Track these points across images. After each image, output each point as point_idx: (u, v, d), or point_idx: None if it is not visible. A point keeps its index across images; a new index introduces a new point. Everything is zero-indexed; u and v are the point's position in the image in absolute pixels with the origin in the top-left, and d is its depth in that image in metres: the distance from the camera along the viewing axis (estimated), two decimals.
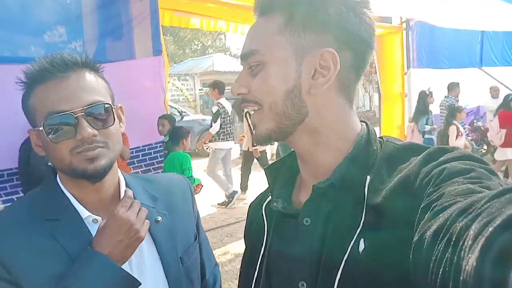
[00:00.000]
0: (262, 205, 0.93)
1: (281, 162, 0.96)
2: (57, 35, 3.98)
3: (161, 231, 1.11)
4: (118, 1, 4.08)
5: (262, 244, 0.89)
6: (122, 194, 1.09)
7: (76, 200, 1.05)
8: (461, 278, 0.42)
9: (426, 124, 7.01)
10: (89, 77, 1.02)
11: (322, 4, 0.78)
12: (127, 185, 1.14)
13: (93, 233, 1.02)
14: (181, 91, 19.05)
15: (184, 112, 12.40)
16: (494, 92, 9.27)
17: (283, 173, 0.94)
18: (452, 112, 6.87)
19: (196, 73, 22.47)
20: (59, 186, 1.06)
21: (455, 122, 6.70)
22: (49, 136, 0.97)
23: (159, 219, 1.12)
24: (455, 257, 0.45)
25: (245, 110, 0.85)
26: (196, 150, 11.44)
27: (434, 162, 0.71)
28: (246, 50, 0.82)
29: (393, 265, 0.67)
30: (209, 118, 13.90)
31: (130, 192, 1.05)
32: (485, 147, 9.35)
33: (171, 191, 1.24)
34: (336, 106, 0.83)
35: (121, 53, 4.35)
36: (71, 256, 0.97)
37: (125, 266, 1.00)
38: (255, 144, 5.02)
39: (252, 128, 0.86)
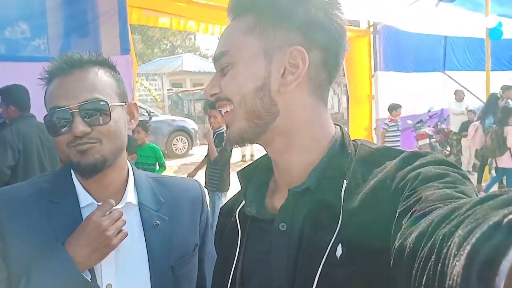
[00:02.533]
0: (236, 210, 0.90)
1: (254, 166, 0.95)
2: (19, 31, 3.83)
3: (156, 236, 1.12)
4: None
5: (236, 251, 0.87)
6: (128, 194, 1.13)
7: (83, 187, 1.10)
8: (446, 285, 0.41)
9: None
10: (93, 75, 1.06)
11: (290, 3, 0.79)
12: (136, 184, 1.17)
13: None
14: (149, 91, 18.77)
15: (153, 112, 12.21)
16: (458, 96, 9.61)
17: (256, 176, 0.93)
18: (508, 113, 6.86)
19: (164, 72, 22.20)
20: (71, 174, 1.11)
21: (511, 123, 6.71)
22: (50, 130, 1.05)
23: (157, 223, 1.13)
24: (439, 264, 0.44)
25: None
26: (165, 151, 11.27)
27: (409, 167, 0.71)
28: (217, 52, 0.83)
29: (372, 270, 0.66)
30: (178, 118, 13.79)
31: (112, 201, 1.05)
32: (448, 148, 9.68)
33: (181, 196, 1.23)
34: (309, 106, 0.82)
35: (87, 51, 4.17)
36: (58, 238, 1.00)
37: (110, 265, 1.04)
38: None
39: (226, 128, 0.85)
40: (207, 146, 5.25)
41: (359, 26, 7.78)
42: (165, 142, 12.01)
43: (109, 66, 1.13)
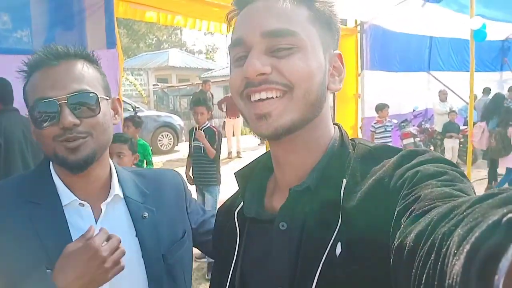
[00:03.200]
0: (234, 212, 0.89)
1: (252, 166, 0.94)
2: (1, 22, 3.72)
3: (146, 227, 1.12)
4: None
5: (234, 252, 0.87)
6: (115, 187, 1.11)
7: (65, 185, 1.06)
8: (446, 284, 0.41)
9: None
10: (80, 67, 1.04)
11: (334, 8, 0.82)
12: (119, 178, 1.16)
13: (74, 218, 1.04)
14: (135, 86, 18.56)
15: (138, 107, 12.07)
16: (442, 96, 9.74)
17: (254, 177, 0.91)
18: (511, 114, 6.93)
19: (150, 67, 21.99)
20: (50, 171, 1.08)
21: None
22: (34, 122, 1.00)
23: (145, 215, 1.13)
24: (439, 263, 0.44)
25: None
26: (151, 147, 11.17)
27: (408, 165, 0.71)
28: (280, 28, 0.74)
29: (371, 269, 0.66)
30: (164, 114, 13.67)
31: (105, 229, 1.00)
32: (432, 148, 9.81)
33: (162, 186, 1.24)
34: (327, 107, 0.83)
35: (72, 44, 4.09)
36: (42, 241, 0.97)
37: None
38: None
39: (259, 118, 0.77)
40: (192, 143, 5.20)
41: (346, 25, 7.80)
42: (150, 138, 11.89)
43: (93, 60, 1.11)
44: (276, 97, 0.75)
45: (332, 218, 0.73)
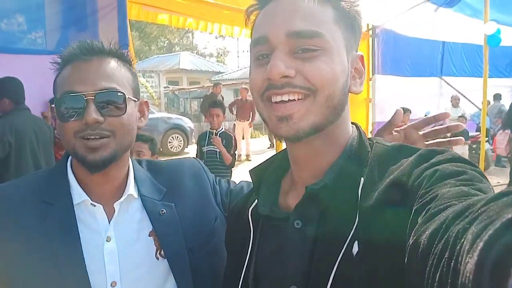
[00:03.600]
0: (248, 209, 0.89)
1: (267, 164, 0.93)
2: (16, 23, 3.78)
3: (164, 224, 1.10)
4: None
5: (248, 250, 0.86)
6: (129, 187, 1.10)
7: (79, 184, 1.06)
8: (459, 282, 0.41)
9: None
10: (112, 65, 1.03)
11: (359, 7, 0.81)
12: (135, 177, 1.14)
13: (87, 217, 1.04)
14: (146, 88, 18.71)
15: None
16: (454, 102, 9.66)
17: (268, 175, 0.91)
18: None
19: (161, 70, 22.16)
20: (66, 169, 1.08)
21: None
22: (59, 116, 0.99)
23: (163, 212, 1.11)
24: (452, 261, 0.44)
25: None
26: (161, 149, 11.23)
27: (426, 164, 0.70)
28: (306, 29, 0.73)
29: (388, 268, 0.65)
30: (174, 116, 13.74)
31: None
32: None
33: (181, 178, 1.21)
34: (348, 108, 0.83)
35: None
36: (51, 241, 0.97)
37: (114, 262, 1.02)
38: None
39: (279, 120, 0.76)
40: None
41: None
42: (161, 140, 11.95)
43: (126, 60, 1.10)
44: (299, 99, 0.74)
45: (349, 217, 0.72)
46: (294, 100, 0.74)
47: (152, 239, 1.09)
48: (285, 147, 0.93)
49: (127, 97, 1.01)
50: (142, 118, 1.13)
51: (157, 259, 1.08)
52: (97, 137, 0.97)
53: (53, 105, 1.02)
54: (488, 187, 0.62)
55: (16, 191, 1.05)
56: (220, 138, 4.88)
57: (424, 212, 0.58)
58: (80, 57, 1.00)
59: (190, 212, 1.15)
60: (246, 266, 0.86)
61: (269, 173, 0.91)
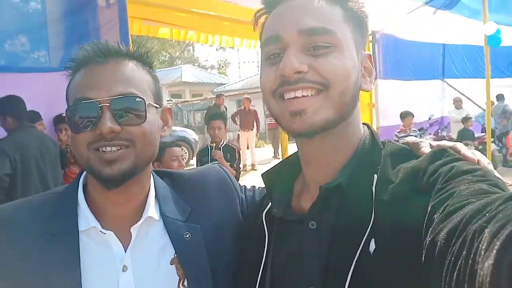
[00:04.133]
0: (262, 212, 0.89)
1: (279, 167, 0.94)
2: (19, 44, 3.83)
3: (189, 250, 0.97)
4: (85, 8, 3.96)
5: (263, 254, 0.86)
6: (149, 208, 0.96)
7: (89, 207, 0.93)
8: (477, 281, 0.41)
9: None
10: (130, 67, 0.92)
11: (365, 8, 0.83)
12: (157, 196, 1.00)
13: (95, 246, 0.91)
14: None
15: None
16: (457, 103, 9.63)
17: (281, 178, 0.91)
18: None
19: (164, 84, 22.25)
20: (77, 192, 0.96)
21: None
22: (71, 125, 0.88)
23: (187, 236, 0.98)
24: (470, 260, 0.44)
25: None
26: None
27: (441, 161, 0.71)
28: (318, 26, 0.75)
29: (405, 264, 0.65)
30: (179, 129, 13.76)
31: None
32: None
33: (207, 194, 1.07)
34: (359, 107, 0.84)
35: None
36: (46, 275, 0.86)
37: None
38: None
39: (293, 115, 0.76)
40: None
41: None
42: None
43: (146, 62, 0.98)
44: (311, 95, 0.75)
45: (365, 215, 0.72)
46: (307, 95, 0.75)
47: (174, 267, 0.96)
48: (292, 153, 0.94)
49: (147, 103, 0.89)
50: (166, 127, 1.01)
51: None
52: (113, 149, 0.86)
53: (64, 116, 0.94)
54: (504, 183, 0.62)
55: (17, 216, 0.92)
56: (221, 153, 4.56)
57: (441, 209, 0.58)
58: (95, 59, 0.89)
59: (217, 234, 1.02)
60: (262, 270, 0.85)
61: (281, 176, 0.91)
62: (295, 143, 0.89)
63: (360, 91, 0.82)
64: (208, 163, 4.44)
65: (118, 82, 0.88)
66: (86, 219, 0.92)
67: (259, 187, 1.21)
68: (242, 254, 0.97)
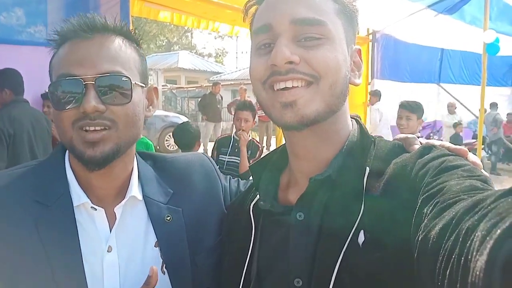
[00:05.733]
0: (249, 205, 0.89)
1: (265, 160, 0.94)
2: (15, 17, 3.76)
3: (169, 232, 0.96)
4: None
5: (249, 246, 0.86)
6: (132, 188, 0.95)
7: (78, 183, 0.91)
8: (470, 280, 0.41)
9: None
10: (117, 44, 0.88)
11: (356, 4, 0.83)
12: (140, 176, 0.99)
13: (87, 222, 0.90)
14: None
15: None
16: (451, 108, 9.71)
17: (268, 170, 0.91)
18: None
19: (160, 68, 22.12)
20: (64, 164, 0.93)
21: None
22: (54, 102, 0.85)
23: (168, 218, 0.97)
24: (463, 258, 0.44)
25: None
26: (158, 147, 11.19)
27: (430, 155, 0.72)
28: (310, 17, 0.75)
29: (394, 256, 0.66)
30: (172, 114, 13.70)
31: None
32: None
33: (190, 179, 1.06)
34: (347, 102, 0.84)
35: None
36: (47, 252, 0.83)
37: (114, 274, 0.89)
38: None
39: (284, 106, 0.75)
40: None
41: (358, 33, 7.81)
42: (158, 138, 11.89)
43: (133, 39, 0.95)
44: (302, 86, 0.74)
45: (355, 207, 0.72)
46: (297, 87, 0.74)
47: (158, 250, 0.95)
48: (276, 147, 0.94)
49: (133, 82, 0.87)
50: (151, 107, 0.99)
51: (163, 273, 0.95)
52: (97, 128, 0.84)
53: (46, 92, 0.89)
54: (489, 178, 0.64)
55: (2, 186, 0.88)
56: (247, 138, 3.93)
57: (431, 204, 0.59)
58: (80, 34, 0.85)
59: (199, 219, 1.00)
60: (248, 262, 0.85)
61: (268, 169, 0.91)
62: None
63: (350, 85, 0.83)
64: (226, 156, 4.01)
65: (104, 59, 0.85)
66: (76, 194, 0.90)
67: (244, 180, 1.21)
68: (228, 245, 0.96)
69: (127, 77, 0.86)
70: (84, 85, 0.82)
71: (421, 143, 0.79)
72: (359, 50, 0.86)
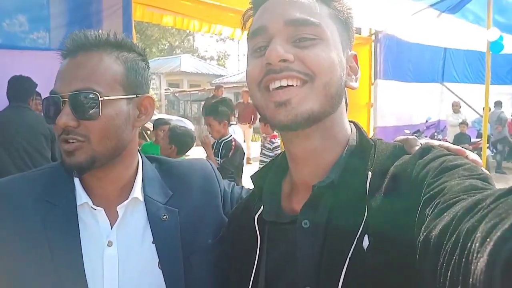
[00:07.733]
0: (254, 217, 0.88)
1: (266, 169, 0.93)
2: (18, 24, 3.78)
3: (165, 231, 1.02)
4: None
5: (255, 258, 0.85)
6: (135, 189, 1.03)
7: (81, 185, 1.00)
8: (470, 281, 0.41)
9: None
10: (95, 60, 0.93)
11: (351, 11, 0.84)
12: (143, 177, 1.06)
13: (89, 220, 0.98)
14: None
15: None
16: (455, 108, 9.69)
17: (269, 179, 0.91)
18: None
19: (162, 72, 22.20)
20: None
21: None
22: (45, 116, 0.96)
23: (164, 217, 1.03)
24: (463, 260, 0.44)
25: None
26: None
27: (430, 156, 0.72)
28: (304, 17, 0.76)
29: (399, 259, 0.65)
30: (175, 118, 13.73)
31: None
32: None
33: (190, 182, 1.12)
34: (344, 105, 0.84)
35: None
36: (51, 247, 0.92)
37: (113, 269, 0.96)
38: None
39: (278, 105, 0.76)
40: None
41: (360, 34, 7.79)
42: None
43: (128, 49, 1.00)
44: (296, 85, 0.75)
45: (358, 211, 0.72)
46: (292, 85, 0.74)
47: (154, 247, 1.01)
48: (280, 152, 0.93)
49: (106, 98, 0.91)
50: (144, 116, 1.02)
51: (159, 269, 1.01)
52: (70, 141, 0.92)
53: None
54: (490, 176, 0.64)
55: (16, 187, 0.99)
56: (209, 141, 4.32)
57: (432, 205, 0.59)
58: (69, 53, 0.95)
59: (194, 220, 1.06)
60: (255, 274, 0.84)
61: (269, 177, 0.91)
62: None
63: (347, 88, 0.84)
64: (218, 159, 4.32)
65: (78, 78, 0.91)
66: (79, 195, 0.99)
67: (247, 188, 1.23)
68: (233, 257, 0.95)
69: (94, 93, 0.91)
70: (62, 102, 0.91)
71: (420, 144, 0.79)
72: (355, 55, 0.86)
